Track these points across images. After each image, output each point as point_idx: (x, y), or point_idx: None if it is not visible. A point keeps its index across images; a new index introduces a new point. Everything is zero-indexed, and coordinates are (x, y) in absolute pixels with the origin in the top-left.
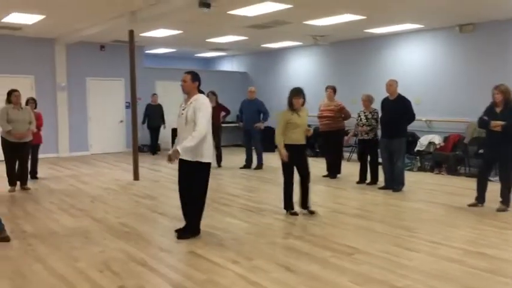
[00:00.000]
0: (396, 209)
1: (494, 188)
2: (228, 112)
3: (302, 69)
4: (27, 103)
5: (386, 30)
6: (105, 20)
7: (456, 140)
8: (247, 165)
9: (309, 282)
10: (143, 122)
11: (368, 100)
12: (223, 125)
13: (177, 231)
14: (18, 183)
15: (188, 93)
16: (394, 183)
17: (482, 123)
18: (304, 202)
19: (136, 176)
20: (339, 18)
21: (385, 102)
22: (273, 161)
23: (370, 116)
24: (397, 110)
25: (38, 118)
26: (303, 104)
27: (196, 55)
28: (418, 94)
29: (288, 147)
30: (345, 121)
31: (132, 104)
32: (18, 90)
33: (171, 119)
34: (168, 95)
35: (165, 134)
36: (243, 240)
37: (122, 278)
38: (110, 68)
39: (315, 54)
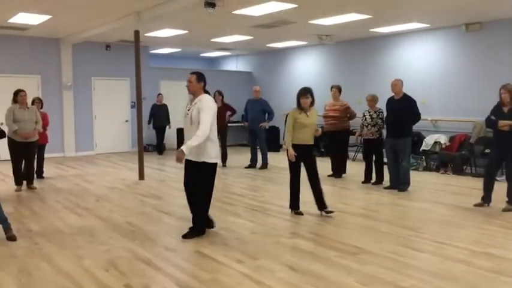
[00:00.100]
0: (402, 209)
1: (500, 187)
2: (234, 112)
3: (307, 69)
4: (33, 103)
5: (391, 30)
6: (111, 20)
7: (462, 139)
8: (252, 164)
9: (314, 282)
10: (149, 122)
11: (373, 100)
12: (229, 124)
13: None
14: (24, 182)
15: (194, 94)
16: (400, 183)
17: (490, 123)
18: (320, 204)
19: (141, 176)
20: (345, 18)
21: (390, 102)
22: (278, 160)
23: (375, 115)
24: (403, 110)
25: (44, 118)
26: (312, 104)
27: (201, 55)
28: (423, 94)
29: (295, 146)
30: (350, 121)
31: (137, 104)
32: (24, 90)
33: (175, 119)
34: (173, 94)
35: (170, 133)
36: (247, 239)
37: (127, 276)
38: (116, 68)
39: (320, 53)
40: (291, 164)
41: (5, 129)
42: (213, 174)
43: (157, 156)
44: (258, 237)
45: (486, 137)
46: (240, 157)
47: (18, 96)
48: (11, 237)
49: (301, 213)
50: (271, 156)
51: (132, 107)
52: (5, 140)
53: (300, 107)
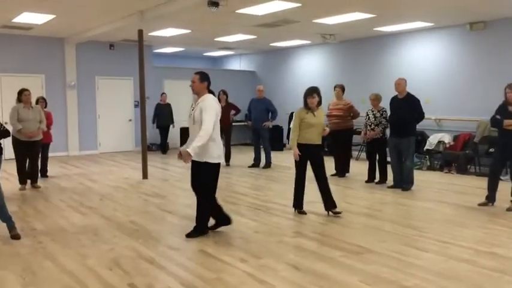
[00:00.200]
0: (405, 208)
1: (504, 187)
2: (238, 111)
3: (311, 68)
4: (37, 102)
5: (395, 29)
6: (115, 20)
7: (466, 138)
8: (256, 163)
9: (317, 282)
10: (153, 122)
11: (376, 99)
12: (233, 124)
13: (210, 228)
14: (28, 181)
15: (197, 94)
16: (403, 183)
17: (495, 122)
18: (329, 204)
19: (145, 175)
20: (348, 17)
21: (394, 101)
22: (282, 159)
23: (378, 114)
24: (406, 109)
25: (48, 117)
26: (319, 104)
27: (204, 54)
28: (427, 93)
29: (301, 146)
30: (354, 120)
31: (140, 103)
32: (28, 90)
33: (179, 119)
34: (176, 94)
35: (173, 133)
36: (251, 238)
37: (131, 275)
38: (119, 67)
39: (323, 52)
40: (297, 163)
41: (10, 128)
42: (215, 174)
43: (161, 155)
44: (262, 236)
45: (490, 136)
46: (243, 156)
47: (22, 95)
48: (15, 236)
49: (304, 213)
50: (274, 155)
51: (136, 106)
52: (9, 139)
53: (306, 106)
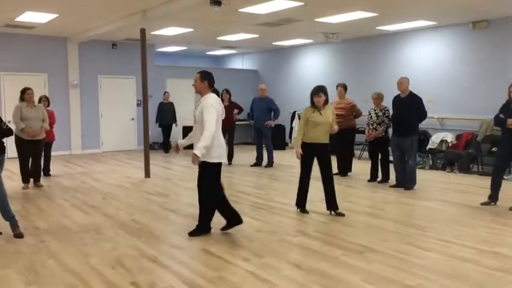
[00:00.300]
0: (408, 207)
1: (507, 186)
2: (241, 109)
3: (313, 67)
4: (40, 101)
5: (398, 28)
6: (117, 19)
7: (469, 137)
8: (258, 162)
9: (320, 280)
10: (156, 121)
11: (378, 98)
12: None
13: (222, 229)
14: (31, 180)
15: (200, 93)
16: (406, 182)
17: (499, 121)
18: (332, 205)
19: (147, 174)
20: (351, 16)
21: (396, 100)
22: (284, 158)
23: (380, 113)
24: (409, 108)
25: (51, 116)
26: (326, 103)
27: (207, 53)
28: (430, 92)
29: (306, 145)
30: (356, 119)
31: (143, 102)
32: (31, 89)
33: (181, 117)
34: (179, 92)
35: (176, 131)
36: (253, 237)
37: (133, 274)
38: (122, 66)
39: (326, 51)
40: (302, 161)
41: (13, 127)
42: (215, 174)
43: (163, 154)
44: (264, 235)
45: (493, 135)
46: (245, 155)
47: (25, 94)
48: (18, 235)
49: (306, 212)
50: (276, 154)
51: (138, 105)
52: (12, 138)
53: (313, 105)
